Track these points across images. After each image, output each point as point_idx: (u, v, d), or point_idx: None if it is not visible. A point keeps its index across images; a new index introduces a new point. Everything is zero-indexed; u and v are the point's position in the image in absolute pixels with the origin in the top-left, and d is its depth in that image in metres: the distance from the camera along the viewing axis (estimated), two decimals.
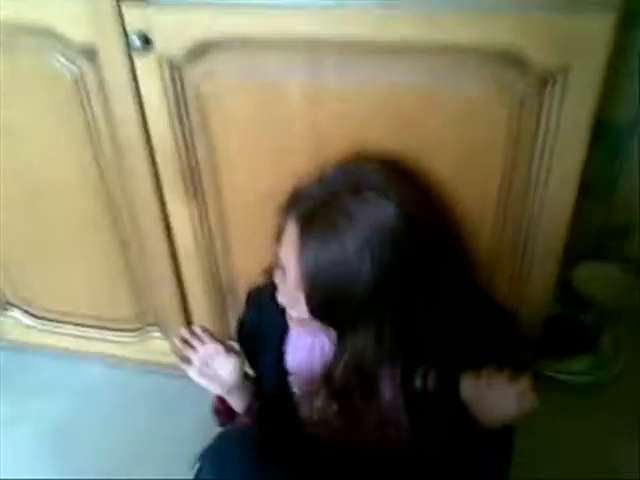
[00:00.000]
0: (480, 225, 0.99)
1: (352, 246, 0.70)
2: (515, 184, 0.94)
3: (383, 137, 0.91)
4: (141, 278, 1.27)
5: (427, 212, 0.80)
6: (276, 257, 0.81)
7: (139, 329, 1.39)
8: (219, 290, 1.24)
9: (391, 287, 0.74)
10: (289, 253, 0.76)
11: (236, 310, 1.24)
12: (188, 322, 1.30)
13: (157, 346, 1.38)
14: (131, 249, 1.23)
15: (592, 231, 1.69)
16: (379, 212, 0.72)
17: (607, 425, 1.36)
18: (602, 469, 1.28)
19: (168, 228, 1.16)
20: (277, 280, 0.83)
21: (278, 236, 0.80)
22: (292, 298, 0.80)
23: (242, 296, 1.21)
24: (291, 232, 0.75)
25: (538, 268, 1.03)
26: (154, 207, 1.12)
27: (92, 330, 1.43)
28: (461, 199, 0.96)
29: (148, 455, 1.37)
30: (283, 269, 0.79)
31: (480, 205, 0.97)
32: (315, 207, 0.74)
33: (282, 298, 0.83)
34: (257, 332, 0.99)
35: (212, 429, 1.37)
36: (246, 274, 1.18)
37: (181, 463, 1.33)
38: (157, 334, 1.37)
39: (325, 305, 0.77)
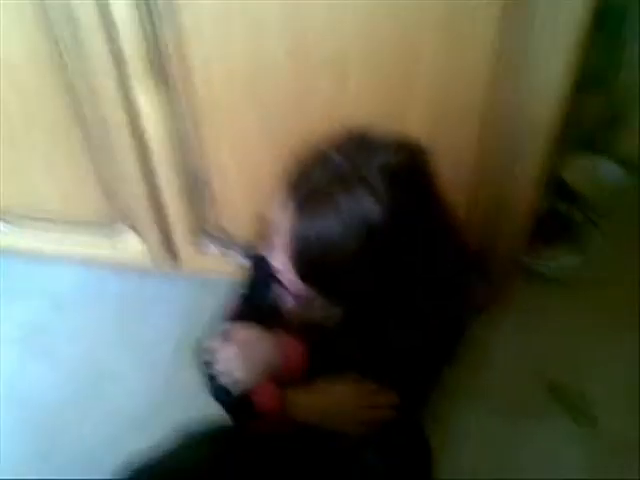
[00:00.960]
0: (469, 113, 0.94)
1: (337, 232, 0.78)
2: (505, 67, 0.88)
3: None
4: (108, 175, 1.21)
5: (419, 215, 0.83)
6: (273, 223, 0.87)
7: (111, 228, 1.34)
8: (193, 185, 1.18)
9: (370, 273, 0.81)
10: (285, 224, 0.82)
11: (212, 204, 1.20)
12: (162, 219, 1.25)
13: (131, 246, 1.33)
14: (95, 144, 1.15)
15: (587, 122, 1.63)
16: (366, 210, 0.77)
17: (589, 317, 1.36)
18: (580, 350, 1.30)
19: (135, 121, 1.08)
20: (273, 243, 0.89)
21: (277, 205, 0.85)
22: (282, 261, 0.86)
23: (218, 190, 1.18)
24: (288, 208, 0.81)
25: (528, 161, 1.00)
26: (118, 97, 1.04)
27: (63, 231, 1.38)
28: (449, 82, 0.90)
29: (125, 355, 1.36)
30: (278, 234, 0.85)
31: (469, 88, 0.92)
32: (311, 192, 0.80)
33: (274, 262, 0.89)
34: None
35: (188, 328, 1.40)
36: (220, 168, 1.13)
37: (157, 361, 1.36)
38: (131, 233, 1.32)
39: (313, 277, 0.84)
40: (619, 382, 1.25)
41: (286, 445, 0.89)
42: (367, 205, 0.77)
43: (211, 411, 1.06)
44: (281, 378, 0.91)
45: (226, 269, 1.27)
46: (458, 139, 1.00)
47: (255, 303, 1.02)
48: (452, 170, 0.98)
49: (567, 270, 1.43)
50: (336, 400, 0.90)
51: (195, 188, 1.19)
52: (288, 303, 0.98)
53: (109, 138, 1.13)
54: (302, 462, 0.87)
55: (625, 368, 1.27)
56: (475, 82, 0.92)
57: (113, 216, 1.31)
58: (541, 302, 1.37)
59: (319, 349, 0.92)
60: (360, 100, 0.98)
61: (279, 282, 0.92)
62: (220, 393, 0.97)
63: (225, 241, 1.27)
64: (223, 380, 0.93)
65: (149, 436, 1.17)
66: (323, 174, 0.80)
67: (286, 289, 0.93)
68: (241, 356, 0.92)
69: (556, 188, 1.60)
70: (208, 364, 0.96)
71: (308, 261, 0.82)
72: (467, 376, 1.24)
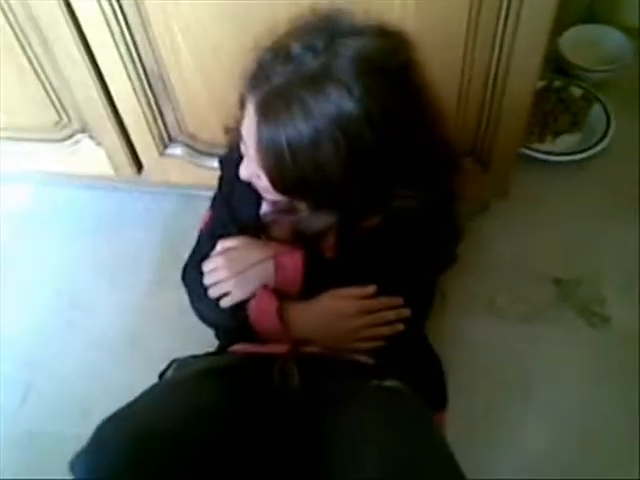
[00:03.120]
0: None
1: (307, 135, 0.69)
2: None
3: None
4: (52, 76, 1.08)
5: (398, 109, 0.72)
6: (238, 130, 0.78)
7: (68, 138, 1.21)
8: (148, 81, 1.05)
9: (347, 178, 0.73)
10: (249, 130, 0.74)
11: (171, 100, 1.08)
12: (118, 124, 1.12)
13: (93, 156, 1.21)
14: (30, 42, 1.02)
15: None
16: (337, 108, 0.68)
17: (593, 200, 1.29)
18: (585, 239, 1.23)
19: (70, 9, 0.94)
20: (242, 151, 0.80)
21: (240, 107, 0.77)
22: (252, 172, 0.79)
23: (176, 86, 1.05)
24: (250, 111, 0.73)
25: (527, 36, 0.87)
26: None
27: (19, 145, 1.24)
28: None
29: (98, 279, 1.28)
30: (244, 142, 0.77)
31: None
32: (273, 92, 0.70)
33: (244, 171, 0.81)
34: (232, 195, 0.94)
35: (166, 246, 1.31)
36: (174, 58, 1.00)
37: (134, 284, 1.29)
38: (90, 142, 1.20)
39: (286, 184, 0.76)
40: (629, 273, 1.18)
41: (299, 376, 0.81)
42: (340, 103, 0.67)
43: (194, 335, 1.01)
44: (277, 292, 0.84)
45: (198, 177, 1.17)
46: (446, 17, 0.87)
47: (232, 213, 0.93)
48: (442, 55, 0.90)
49: (565, 152, 1.33)
50: (340, 315, 0.83)
51: (150, 86, 1.06)
52: (268, 212, 0.89)
53: (45, 33, 0.99)
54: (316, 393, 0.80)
55: (634, 255, 1.20)
56: None
57: (66, 124, 1.18)
58: (539, 192, 1.29)
59: (315, 259, 0.84)
60: None
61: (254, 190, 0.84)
62: (209, 311, 0.90)
63: (190, 144, 1.15)
64: (212, 294, 0.86)
65: (131, 364, 1.13)
66: (286, 71, 0.69)
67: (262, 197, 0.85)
68: (228, 266, 0.85)
69: (552, 63, 1.48)
70: (195, 282, 0.89)
71: (281, 171, 0.73)
72: (468, 280, 1.17)
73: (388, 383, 0.78)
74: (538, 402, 1.06)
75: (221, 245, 0.87)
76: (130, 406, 0.71)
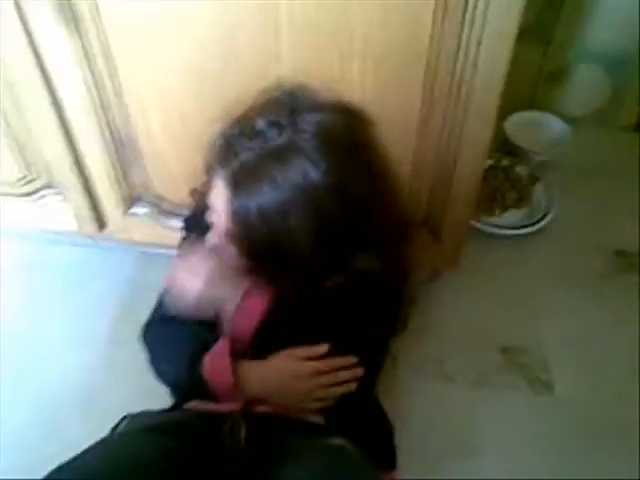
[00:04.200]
0: (412, 69, 0.91)
1: (276, 205, 0.73)
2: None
3: None
4: (22, 133, 1.11)
5: (357, 179, 0.77)
6: (205, 199, 0.82)
7: (34, 193, 1.23)
8: (117, 143, 1.09)
9: (312, 245, 0.76)
10: (218, 202, 0.78)
11: (139, 162, 1.12)
12: (86, 181, 1.15)
13: (58, 212, 1.23)
14: (2, 97, 1.05)
15: (527, 80, 1.62)
16: (303, 179, 0.73)
17: (538, 272, 1.36)
18: (531, 309, 1.29)
19: (43, 70, 0.98)
20: (209, 219, 0.83)
21: (206, 174, 0.81)
22: (220, 242, 0.82)
23: (143, 144, 1.09)
24: (220, 185, 0.77)
25: (474, 122, 0.96)
26: (20, 41, 0.94)
27: None
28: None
29: (59, 333, 1.27)
30: (213, 212, 0.81)
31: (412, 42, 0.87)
32: (243, 167, 0.75)
33: (212, 239, 0.84)
34: None
35: (126, 303, 1.31)
36: (144, 123, 1.05)
37: (94, 339, 1.28)
38: (55, 198, 1.22)
39: (254, 251, 0.79)
40: (573, 341, 1.24)
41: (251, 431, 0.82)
42: (305, 174, 0.72)
43: (150, 394, 1.00)
44: (231, 343, 0.84)
45: (162, 236, 1.20)
46: (402, 98, 0.95)
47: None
48: (396, 133, 0.96)
49: (512, 226, 1.42)
50: (294, 376, 0.84)
51: (119, 146, 1.10)
52: None
53: (17, 91, 1.03)
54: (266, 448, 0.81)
55: (577, 324, 1.27)
56: (419, 32, 0.87)
57: (34, 179, 1.21)
58: (489, 262, 1.36)
59: (277, 308, 0.86)
60: (295, 53, 0.91)
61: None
62: (167, 368, 0.90)
63: (158, 205, 1.18)
64: (177, 304, 0.85)
65: (86, 422, 1.10)
66: (253, 146, 0.75)
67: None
68: (202, 273, 0.84)
69: (498, 144, 1.59)
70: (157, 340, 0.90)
71: (251, 238, 0.77)
72: (418, 344, 1.22)
73: (334, 441, 0.79)
74: (483, 465, 1.08)
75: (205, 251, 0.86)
76: (74, 459, 0.71)
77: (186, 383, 0.88)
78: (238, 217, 0.76)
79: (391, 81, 0.93)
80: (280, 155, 0.73)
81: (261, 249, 0.78)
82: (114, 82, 1.00)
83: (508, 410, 1.15)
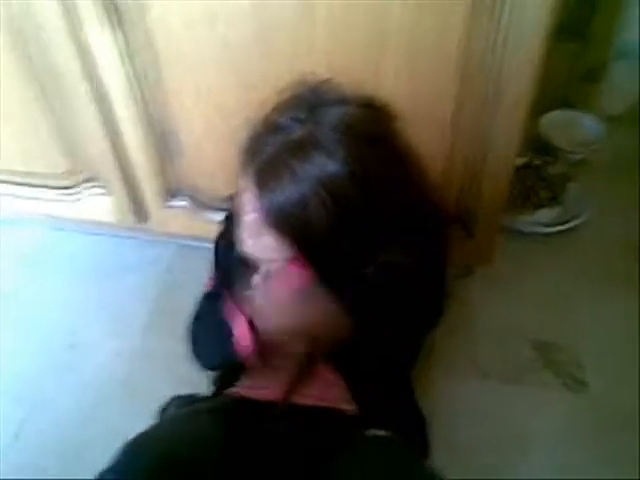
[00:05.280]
0: (445, 64, 0.91)
1: (298, 201, 0.74)
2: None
3: None
4: (68, 127, 1.14)
5: (380, 170, 0.78)
6: (239, 204, 0.84)
7: (76, 185, 1.26)
8: (159, 136, 1.12)
9: (346, 236, 0.78)
10: (249, 201, 0.80)
11: (180, 155, 1.14)
12: (127, 174, 1.18)
13: (99, 204, 1.27)
14: (51, 94, 1.09)
15: (562, 78, 1.61)
16: (323, 172, 0.73)
17: (570, 270, 1.35)
18: (564, 306, 1.29)
19: (89, 68, 1.02)
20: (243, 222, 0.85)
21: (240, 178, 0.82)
22: (256, 239, 0.83)
23: (184, 138, 1.11)
24: (249, 184, 0.78)
25: (506, 119, 0.96)
26: (70, 41, 0.97)
27: (28, 190, 1.30)
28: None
29: (97, 323, 1.31)
30: (245, 212, 0.82)
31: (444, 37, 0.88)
32: (265, 162, 0.76)
33: (249, 241, 0.84)
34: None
35: (163, 293, 1.35)
36: (186, 117, 1.07)
37: (131, 329, 1.32)
38: (97, 190, 1.25)
39: (294, 239, 0.80)
40: (606, 339, 1.24)
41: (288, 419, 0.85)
42: (325, 168, 0.73)
43: (186, 381, 1.03)
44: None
45: (200, 229, 1.22)
46: (434, 94, 0.96)
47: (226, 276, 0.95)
48: (428, 129, 0.98)
49: (545, 224, 1.41)
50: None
51: (161, 140, 1.13)
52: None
53: (64, 87, 1.06)
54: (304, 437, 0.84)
55: (610, 323, 1.26)
56: (450, 30, 0.88)
57: (77, 172, 1.24)
58: (522, 260, 1.36)
59: None
60: (330, 46, 0.93)
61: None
62: (211, 354, 0.94)
63: (197, 198, 1.21)
64: (260, 322, 0.86)
65: (124, 409, 1.14)
66: (275, 142, 0.76)
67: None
68: (292, 301, 0.85)
69: (532, 143, 1.59)
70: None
71: (288, 231, 0.78)
72: (452, 339, 1.22)
73: (381, 433, 0.80)
74: (515, 460, 1.08)
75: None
76: (150, 433, 0.77)
77: (228, 360, 0.90)
78: (269, 212, 0.77)
79: (423, 77, 0.93)
80: (299, 148, 0.74)
81: (295, 241, 0.79)
82: (156, 76, 1.02)
83: (542, 406, 1.15)
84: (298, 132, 0.74)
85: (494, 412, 1.14)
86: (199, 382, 1.00)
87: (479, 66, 0.91)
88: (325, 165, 0.73)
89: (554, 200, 1.46)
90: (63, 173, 1.24)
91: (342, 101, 0.77)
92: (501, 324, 1.26)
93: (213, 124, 1.08)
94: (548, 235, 1.40)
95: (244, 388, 0.92)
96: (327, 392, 0.89)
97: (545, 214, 1.45)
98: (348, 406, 0.88)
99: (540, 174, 1.50)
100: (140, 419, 1.10)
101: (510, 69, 0.89)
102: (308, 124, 0.74)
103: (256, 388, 0.91)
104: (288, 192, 0.74)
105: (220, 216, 1.17)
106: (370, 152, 0.75)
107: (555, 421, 1.13)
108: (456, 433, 1.10)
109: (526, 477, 1.06)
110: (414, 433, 0.93)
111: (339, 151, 0.73)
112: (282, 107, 0.79)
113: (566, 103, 1.64)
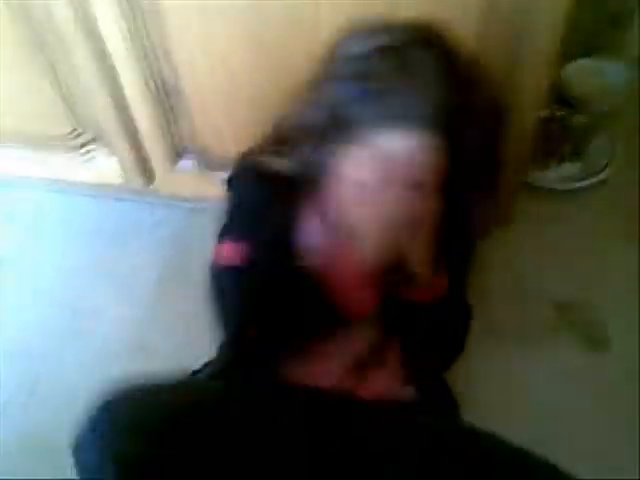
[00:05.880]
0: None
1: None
2: None
3: None
4: (70, 86, 1.11)
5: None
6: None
7: (82, 146, 1.23)
8: (163, 94, 1.08)
9: None
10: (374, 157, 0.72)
11: (185, 114, 1.10)
12: (132, 133, 1.15)
13: (104, 165, 1.24)
14: (48, 51, 1.05)
15: (586, 24, 1.52)
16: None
17: (592, 228, 1.30)
18: (585, 265, 1.25)
19: (89, 22, 0.97)
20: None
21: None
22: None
23: (192, 100, 1.07)
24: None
25: (532, 67, 0.91)
26: None
27: (31, 151, 1.27)
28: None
29: (104, 287, 1.29)
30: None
31: None
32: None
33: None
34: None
35: (171, 257, 1.33)
36: (192, 74, 1.03)
37: (139, 293, 1.30)
38: (102, 151, 1.22)
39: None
40: (628, 297, 1.19)
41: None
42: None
43: (198, 346, 1.01)
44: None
45: (209, 190, 1.18)
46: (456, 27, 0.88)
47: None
48: None
49: (567, 180, 1.36)
50: None
51: (166, 98, 1.09)
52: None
53: (63, 44, 1.02)
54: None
55: (631, 281, 1.21)
56: None
57: (80, 133, 1.21)
58: (545, 216, 1.31)
59: None
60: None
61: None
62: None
63: (204, 158, 1.17)
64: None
65: (136, 371, 1.13)
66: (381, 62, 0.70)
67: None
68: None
69: (555, 94, 1.52)
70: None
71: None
72: (473, 299, 1.17)
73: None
74: (533, 422, 1.06)
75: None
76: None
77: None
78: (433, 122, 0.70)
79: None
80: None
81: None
82: (160, 32, 0.98)
83: (562, 366, 1.12)
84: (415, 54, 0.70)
85: (511, 374, 1.12)
86: (210, 346, 0.98)
87: (504, 15, 0.85)
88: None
89: (577, 154, 1.40)
90: (67, 134, 1.20)
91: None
92: (520, 284, 1.22)
93: (220, 82, 1.03)
94: (570, 191, 1.35)
95: (301, 373, 0.79)
96: (391, 380, 0.83)
97: (567, 169, 1.39)
98: (407, 392, 0.83)
99: (563, 127, 1.43)
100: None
101: (540, 12, 0.84)
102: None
103: (318, 375, 0.79)
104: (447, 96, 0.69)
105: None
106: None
107: (576, 382, 1.10)
108: (472, 395, 1.08)
109: (546, 441, 1.04)
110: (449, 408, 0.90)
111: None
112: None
113: (591, 51, 1.56)
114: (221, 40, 0.97)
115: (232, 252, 0.79)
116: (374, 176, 0.72)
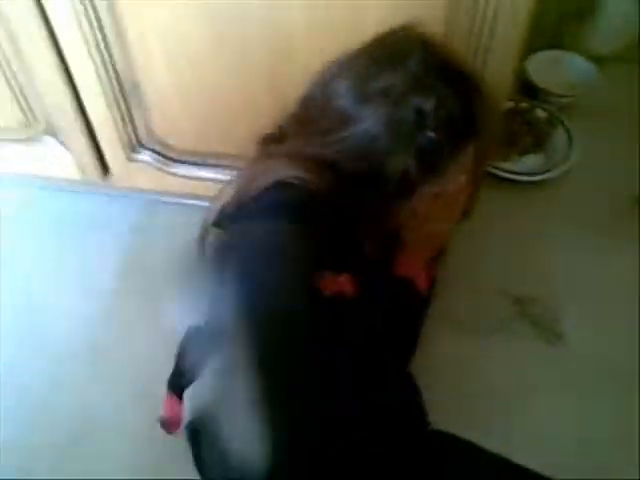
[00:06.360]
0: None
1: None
2: None
3: None
4: (23, 80, 1.07)
5: None
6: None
7: (35, 139, 1.19)
8: (116, 86, 1.04)
9: None
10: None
11: (142, 108, 1.07)
12: (86, 124, 1.11)
13: (59, 158, 1.19)
14: (2, 45, 1.01)
15: (551, 16, 1.53)
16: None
17: (553, 220, 1.31)
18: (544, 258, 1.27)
19: (42, 14, 0.94)
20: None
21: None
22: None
23: (146, 92, 1.04)
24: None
25: (495, 61, 0.90)
26: None
27: None
28: None
29: (62, 284, 1.25)
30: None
31: None
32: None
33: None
34: None
35: (129, 245, 1.29)
36: (148, 64, 0.99)
37: (94, 284, 1.24)
38: (56, 144, 1.18)
39: None
40: (586, 290, 1.22)
41: None
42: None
43: (158, 344, 0.99)
44: None
45: (167, 184, 1.17)
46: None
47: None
48: None
49: (528, 173, 1.36)
50: None
51: (121, 91, 1.05)
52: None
53: (15, 32, 0.98)
54: None
55: (591, 273, 1.23)
56: None
57: (34, 125, 1.16)
58: (505, 208, 1.31)
59: None
60: None
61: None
62: None
63: (160, 150, 1.15)
64: None
65: (92, 372, 1.11)
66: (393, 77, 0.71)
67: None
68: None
69: (519, 86, 1.52)
70: None
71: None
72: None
73: None
74: (487, 412, 1.07)
75: None
76: None
77: None
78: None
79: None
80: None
81: None
82: (114, 19, 0.94)
83: (518, 359, 1.13)
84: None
85: (469, 366, 1.13)
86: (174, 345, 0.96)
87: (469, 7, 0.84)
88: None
89: (539, 146, 1.41)
90: (18, 126, 1.16)
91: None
92: (477, 277, 1.23)
93: (180, 74, 1.00)
94: (531, 184, 1.35)
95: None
96: None
97: (529, 161, 1.39)
98: None
99: (525, 118, 1.44)
100: (108, 383, 1.08)
101: (505, 5, 0.83)
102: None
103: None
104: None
105: (190, 170, 1.10)
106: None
107: (531, 374, 1.12)
108: (430, 387, 1.08)
109: (501, 431, 1.05)
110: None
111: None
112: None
113: (555, 43, 1.57)
114: (178, 32, 0.94)
115: (342, 284, 0.77)
116: (454, 188, 0.78)
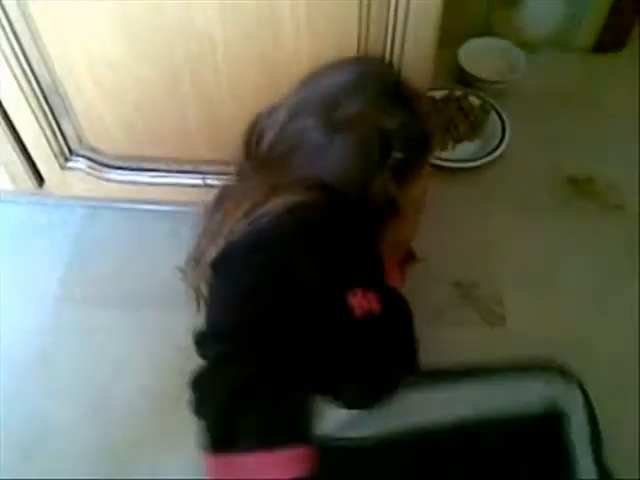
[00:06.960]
0: None
1: None
2: None
3: None
4: None
5: None
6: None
7: None
8: (39, 94, 1.03)
9: None
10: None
11: (69, 115, 1.07)
12: (16, 136, 1.09)
13: None
14: None
15: (481, 4, 1.56)
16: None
17: (491, 205, 1.35)
18: (484, 243, 1.30)
19: None
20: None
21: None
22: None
23: (71, 99, 1.03)
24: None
25: (412, 58, 0.91)
26: None
27: None
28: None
29: (2, 289, 1.23)
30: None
31: None
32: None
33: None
34: None
35: (70, 255, 1.26)
36: (69, 68, 0.99)
37: (36, 293, 1.19)
38: None
39: None
40: (525, 273, 1.25)
41: None
42: None
43: (103, 353, 0.99)
44: None
45: (104, 190, 1.16)
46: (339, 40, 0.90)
47: None
48: None
49: (464, 159, 1.39)
50: None
51: (46, 98, 1.04)
52: None
53: None
54: None
55: (531, 256, 1.27)
56: None
57: None
58: (442, 195, 1.33)
59: None
60: None
61: None
62: None
63: (93, 157, 1.14)
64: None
65: (37, 383, 1.09)
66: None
67: None
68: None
69: (453, 74, 1.55)
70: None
71: None
72: None
73: None
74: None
75: None
76: None
77: None
78: None
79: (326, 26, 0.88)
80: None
81: None
82: (30, 28, 0.92)
83: (461, 343, 1.15)
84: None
85: None
86: (122, 355, 0.95)
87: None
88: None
89: (474, 132, 1.44)
90: None
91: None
92: (418, 264, 1.25)
93: (103, 80, 0.99)
94: (468, 170, 1.38)
95: None
96: None
97: (465, 148, 1.43)
98: None
99: (460, 106, 1.47)
100: (54, 395, 1.07)
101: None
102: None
103: None
104: None
105: (125, 175, 1.10)
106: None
107: (475, 358, 1.14)
108: None
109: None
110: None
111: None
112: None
113: (486, 31, 1.60)
114: (95, 37, 0.93)
115: (371, 301, 0.78)
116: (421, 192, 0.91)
